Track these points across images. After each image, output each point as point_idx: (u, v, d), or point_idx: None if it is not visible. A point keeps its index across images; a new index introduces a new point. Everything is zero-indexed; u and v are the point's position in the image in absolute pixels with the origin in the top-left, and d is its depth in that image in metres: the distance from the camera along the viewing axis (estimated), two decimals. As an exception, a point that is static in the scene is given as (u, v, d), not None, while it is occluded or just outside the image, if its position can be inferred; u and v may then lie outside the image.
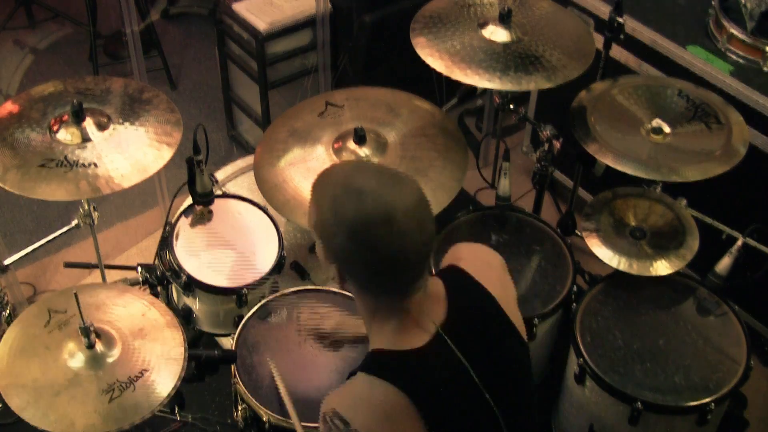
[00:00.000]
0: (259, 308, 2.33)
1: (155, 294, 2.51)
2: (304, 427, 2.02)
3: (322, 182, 1.52)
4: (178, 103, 2.53)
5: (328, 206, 1.46)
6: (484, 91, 3.58)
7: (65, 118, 2.36)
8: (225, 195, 2.64)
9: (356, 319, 2.13)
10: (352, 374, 1.54)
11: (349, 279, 1.51)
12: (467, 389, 1.52)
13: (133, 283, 2.50)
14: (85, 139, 2.34)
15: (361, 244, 1.44)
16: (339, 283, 1.53)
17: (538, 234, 2.67)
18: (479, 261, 1.69)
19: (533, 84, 2.49)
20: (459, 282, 1.62)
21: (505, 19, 2.59)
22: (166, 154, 2.34)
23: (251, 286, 2.40)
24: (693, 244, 2.48)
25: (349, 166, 1.61)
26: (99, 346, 2.02)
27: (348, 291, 1.58)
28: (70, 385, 1.96)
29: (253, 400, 2.12)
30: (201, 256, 2.47)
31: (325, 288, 2.41)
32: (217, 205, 2.56)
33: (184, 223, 2.52)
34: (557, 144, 2.64)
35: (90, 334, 1.99)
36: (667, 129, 2.53)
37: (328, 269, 1.55)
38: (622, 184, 2.62)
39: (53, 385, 1.96)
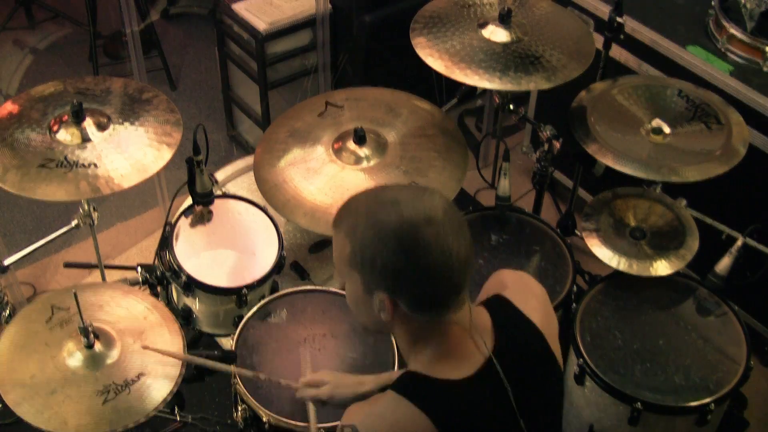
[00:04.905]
0: (258, 308, 2.33)
1: (155, 294, 2.51)
2: (303, 426, 2.02)
3: (348, 211, 1.45)
4: (178, 103, 2.53)
5: (365, 224, 1.39)
6: (484, 91, 3.58)
7: (65, 118, 2.36)
8: (225, 195, 2.64)
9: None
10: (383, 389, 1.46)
11: (400, 300, 1.41)
12: (506, 427, 1.46)
13: (133, 283, 2.50)
14: (85, 139, 2.34)
15: (410, 251, 1.36)
16: (389, 313, 1.42)
17: (538, 234, 2.67)
18: (523, 290, 1.62)
19: (533, 84, 2.49)
20: (505, 313, 1.54)
21: (505, 19, 2.59)
22: (166, 154, 2.34)
23: (251, 286, 2.40)
24: (693, 244, 2.48)
25: (372, 189, 1.51)
26: (98, 347, 2.01)
27: (395, 323, 1.47)
28: (67, 383, 1.96)
29: (253, 401, 2.11)
30: (201, 256, 2.47)
31: (325, 288, 2.41)
32: (217, 205, 2.55)
33: (184, 223, 2.52)
34: (557, 144, 2.64)
35: (89, 334, 1.99)
36: (667, 129, 2.53)
37: (369, 310, 1.44)
38: (622, 184, 2.61)
39: (50, 383, 1.95)
